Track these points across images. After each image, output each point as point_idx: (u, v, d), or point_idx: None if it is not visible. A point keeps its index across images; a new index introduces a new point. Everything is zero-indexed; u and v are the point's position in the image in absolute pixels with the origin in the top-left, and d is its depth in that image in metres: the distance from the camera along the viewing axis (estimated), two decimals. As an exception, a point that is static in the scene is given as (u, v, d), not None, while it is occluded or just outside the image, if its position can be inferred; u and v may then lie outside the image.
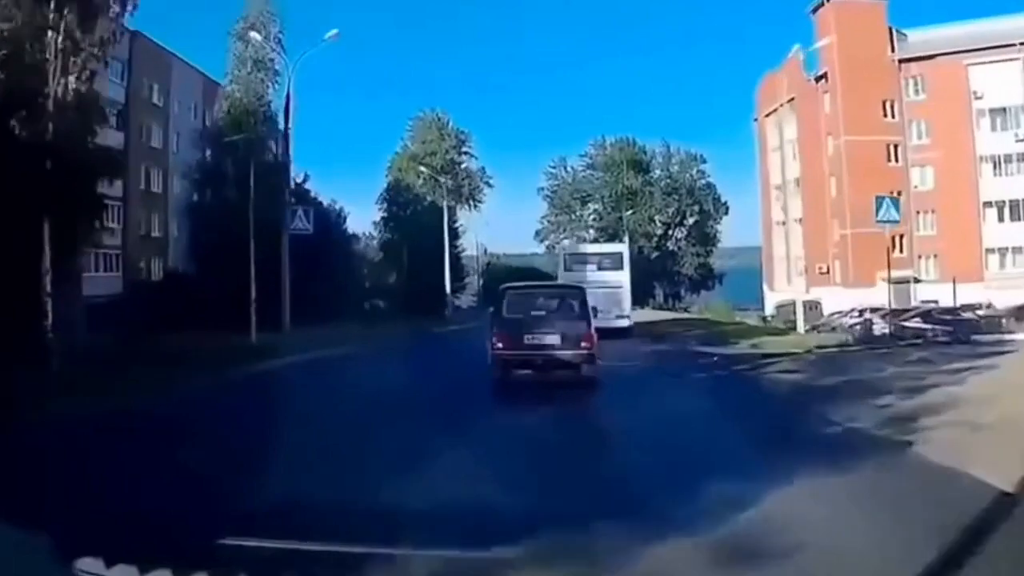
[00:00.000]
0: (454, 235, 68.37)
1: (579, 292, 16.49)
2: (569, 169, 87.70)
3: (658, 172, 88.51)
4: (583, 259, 32.69)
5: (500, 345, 14.92)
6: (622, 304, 29.90)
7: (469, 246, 79.06)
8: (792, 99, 61.97)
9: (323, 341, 24.14)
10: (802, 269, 59.99)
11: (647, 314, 48.97)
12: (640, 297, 78.01)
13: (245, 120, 42.44)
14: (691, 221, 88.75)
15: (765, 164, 67.47)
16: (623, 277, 30.92)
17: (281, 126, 33.95)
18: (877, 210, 24.23)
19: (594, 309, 16.98)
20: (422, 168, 63.18)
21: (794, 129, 61.89)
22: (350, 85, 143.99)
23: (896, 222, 25.53)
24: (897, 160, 55.23)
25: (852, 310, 40.01)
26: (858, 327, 30.87)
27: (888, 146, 55.24)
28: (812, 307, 42.52)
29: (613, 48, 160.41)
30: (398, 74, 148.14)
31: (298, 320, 29.01)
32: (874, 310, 36.18)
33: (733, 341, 25.40)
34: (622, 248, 34.45)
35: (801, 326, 29.65)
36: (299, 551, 4.53)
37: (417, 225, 57.98)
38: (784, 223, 64.47)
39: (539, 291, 18.27)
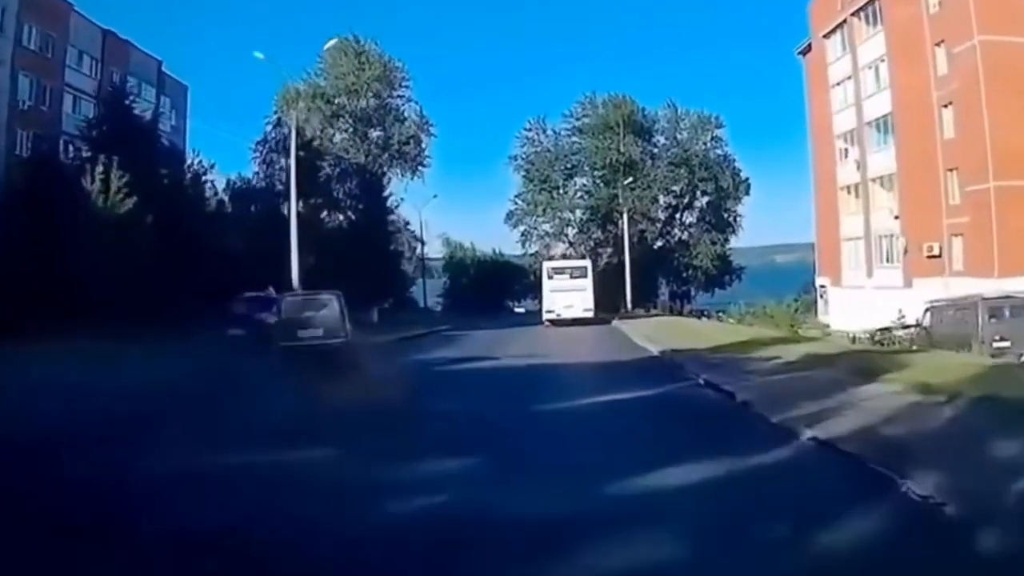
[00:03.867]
0: (384, 209, 46.21)
1: (337, 297, 20.16)
2: (550, 133, 65.60)
3: (662, 139, 66.30)
4: (562, 271, 39.54)
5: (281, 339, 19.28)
6: (587, 301, 36.91)
7: (414, 224, 57.27)
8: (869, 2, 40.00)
9: None
10: (898, 252, 37.98)
11: (674, 337, 24.89)
12: (640, 296, 57.17)
13: None
14: (704, 201, 66.68)
15: (822, 107, 45.25)
16: (587, 283, 37.76)
17: None
18: None
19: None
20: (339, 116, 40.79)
21: (877, 46, 39.74)
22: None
23: None
24: (1058, 76, 32.93)
25: None
26: None
27: (1044, 54, 32.97)
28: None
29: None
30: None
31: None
32: None
33: None
34: (586, 263, 40.86)
35: None
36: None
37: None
38: (855, 188, 42.39)
39: (308, 298, 21.37)
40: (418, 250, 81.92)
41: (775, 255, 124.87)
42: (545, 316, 37.06)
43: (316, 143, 40.74)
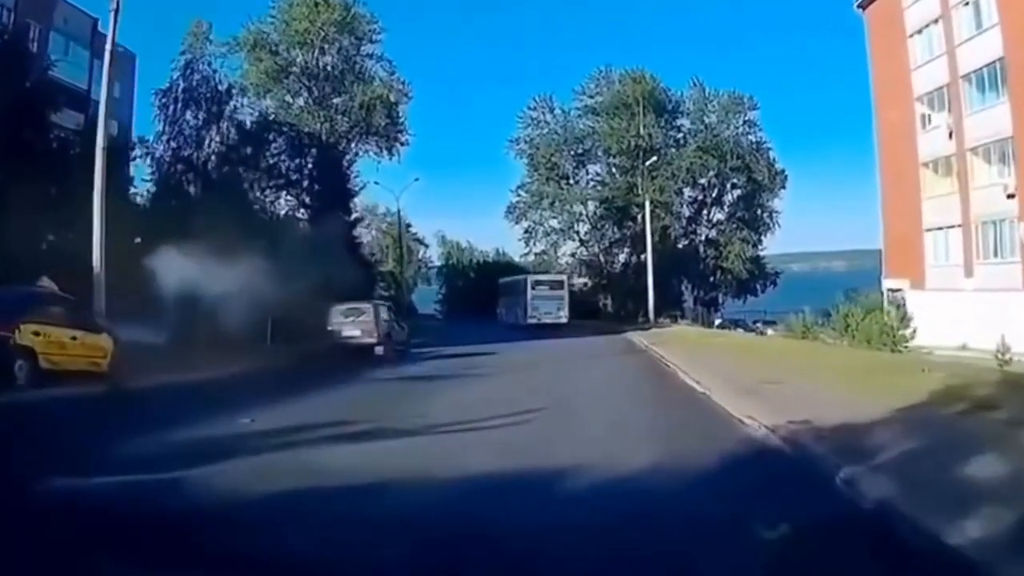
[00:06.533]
0: (346, 192, 36.65)
1: (373, 306, 25.22)
2: (558, 113, 55.94)
3: (688, 122, 56.47)
4: (544, 283, 45.07)
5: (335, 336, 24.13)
6: (564, 308, 43.21)
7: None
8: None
9: None
10: (1012, 242, 27.85)
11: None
12: (662, 302, 47.98)
13: None
14: (735, 194, 56.83)
15: (894, 64, 35.09)
16: (564, 294, 44.23)
17: None
18: None
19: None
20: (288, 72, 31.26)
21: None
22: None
23: None
24: None
25: None
26: None
27: None
28: None
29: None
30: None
31: None
32: None
33: None
34: (563, 278, 47.46)
35: None
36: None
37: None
38: (944, 163, 32.24)
39: (352, 306, 24.57)
40: (420, 253, 73.46)
41: (791, 263, 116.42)
42: (528, 320, 42.29)
43: (256, 101, 31.28)
